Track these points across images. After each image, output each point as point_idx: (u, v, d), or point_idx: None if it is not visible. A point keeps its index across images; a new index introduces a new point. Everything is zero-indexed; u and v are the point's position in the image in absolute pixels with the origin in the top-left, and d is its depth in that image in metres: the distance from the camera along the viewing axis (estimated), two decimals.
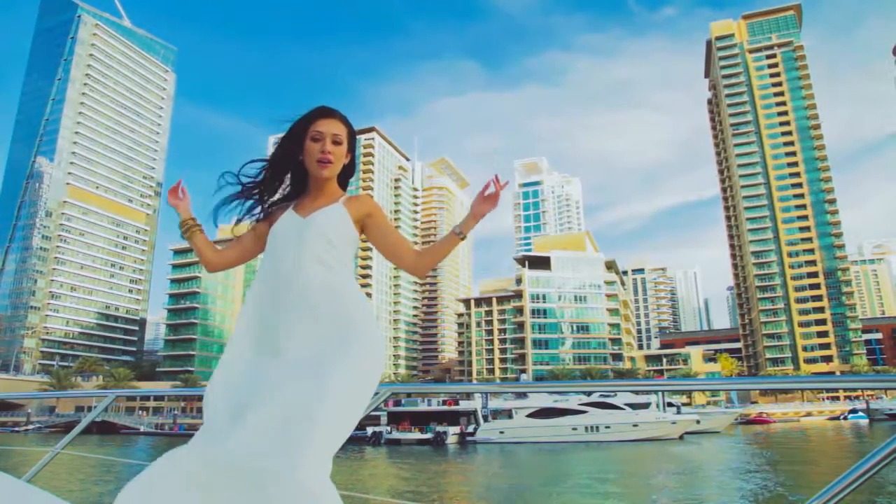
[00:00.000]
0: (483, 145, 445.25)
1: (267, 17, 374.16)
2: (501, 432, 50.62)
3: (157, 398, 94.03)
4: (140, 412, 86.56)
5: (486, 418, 55.42)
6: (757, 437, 55.13)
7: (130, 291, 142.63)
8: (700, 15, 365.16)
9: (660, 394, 54.07)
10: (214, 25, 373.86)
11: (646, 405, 55.02)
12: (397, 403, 57.03)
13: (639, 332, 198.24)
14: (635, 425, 48.17)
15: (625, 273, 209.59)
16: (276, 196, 1.97)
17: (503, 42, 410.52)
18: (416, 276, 1.92)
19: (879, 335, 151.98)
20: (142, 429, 78.27)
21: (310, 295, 1.70)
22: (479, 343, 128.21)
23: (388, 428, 54.34)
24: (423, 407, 56.34)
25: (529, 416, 50.51)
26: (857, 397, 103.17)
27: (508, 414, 52.52)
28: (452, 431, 51.94)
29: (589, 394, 50.68)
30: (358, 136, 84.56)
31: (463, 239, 1.82)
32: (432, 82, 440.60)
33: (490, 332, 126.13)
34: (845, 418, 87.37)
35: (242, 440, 1.43)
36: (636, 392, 59.97)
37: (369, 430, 53.90)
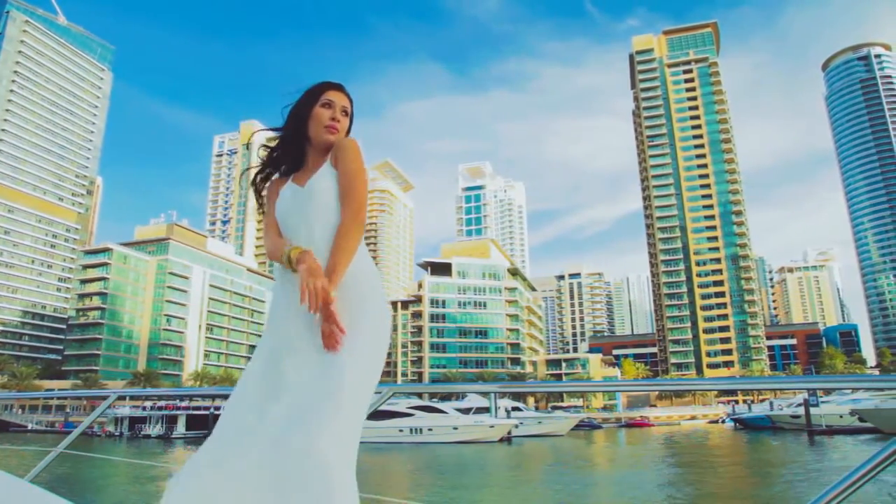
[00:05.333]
0: (446, 148, 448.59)
1: (228, 14, 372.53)
2: None
3: (60, 396, 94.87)
4: (18, 409, 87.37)
5: None
6: (589, 440, 58.45)
7: (59, 290, 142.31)
8: (663, 27, 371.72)
9: (492, 397, 57.37)
10: (171, 20, 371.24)
11: (486, 409, 58.27)
12: None
13: (573, 335, 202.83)
14: (455, 428, 51.03)
15: (561, 278, 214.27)
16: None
17: (470, 47, 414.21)
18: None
19: (794, 341, 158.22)
20: (30, 426, 79.69)
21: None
22: (404, 345, 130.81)
23: None
24: None
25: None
26: (752, 401, 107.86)
27: None
28: None
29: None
30: None
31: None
32: (397, 84, 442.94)
33: (416, 335, 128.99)
34: (723, 422, 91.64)
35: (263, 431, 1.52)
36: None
37: None
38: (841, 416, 52.72)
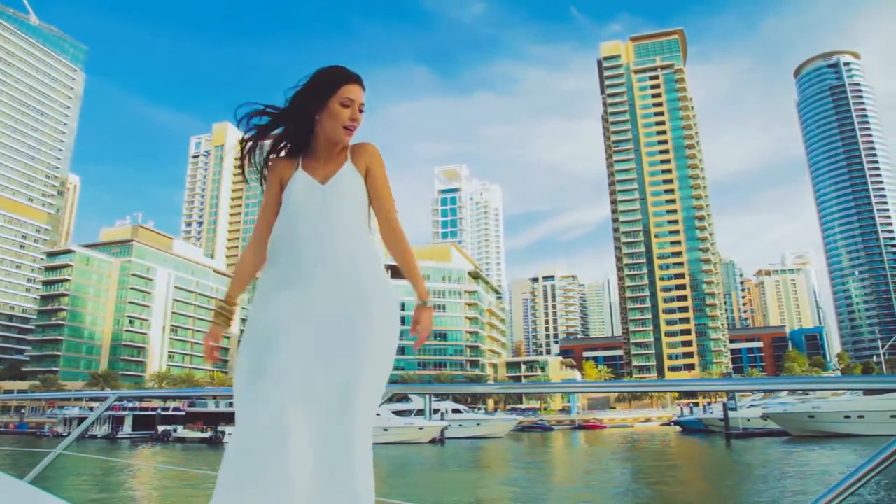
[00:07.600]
0: (430, 150, 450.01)
1: (208, 14, 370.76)
2: None
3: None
4: None
5: None
6: (525, 441, 59.64)
7: (28, 291, 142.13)
8: (646, 32, 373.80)
9: (427, 398, 58.41)
10: (149, 20, 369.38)
11: (421, 412, 59.35)
12: (192, 405, 60.46)
13: (546, 337, 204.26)
14: (385, 430, 51.95)
15: (535, 280, 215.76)
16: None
17: (456, 50, 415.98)
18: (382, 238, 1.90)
19: (760, 344, 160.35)
20: None
21: (337, 271, 1.67)
22: None
23: (177, 427, 57.82)
24: (212, 408, 59.85)
25: None
26: (710, 403, 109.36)
27: None
28: (230, 431, 55.42)
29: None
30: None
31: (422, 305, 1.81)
32: (382, 86, 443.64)
33: None
34: (674, 424, 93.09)
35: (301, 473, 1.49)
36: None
37: (160, 428, 57.86)
38: (765, 420, 54.22)
